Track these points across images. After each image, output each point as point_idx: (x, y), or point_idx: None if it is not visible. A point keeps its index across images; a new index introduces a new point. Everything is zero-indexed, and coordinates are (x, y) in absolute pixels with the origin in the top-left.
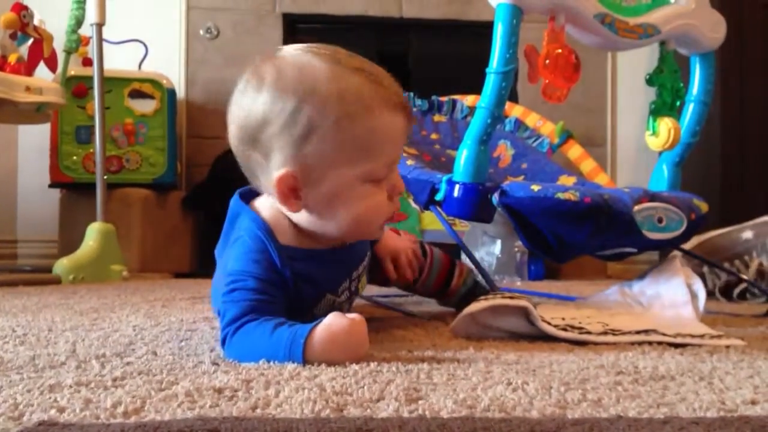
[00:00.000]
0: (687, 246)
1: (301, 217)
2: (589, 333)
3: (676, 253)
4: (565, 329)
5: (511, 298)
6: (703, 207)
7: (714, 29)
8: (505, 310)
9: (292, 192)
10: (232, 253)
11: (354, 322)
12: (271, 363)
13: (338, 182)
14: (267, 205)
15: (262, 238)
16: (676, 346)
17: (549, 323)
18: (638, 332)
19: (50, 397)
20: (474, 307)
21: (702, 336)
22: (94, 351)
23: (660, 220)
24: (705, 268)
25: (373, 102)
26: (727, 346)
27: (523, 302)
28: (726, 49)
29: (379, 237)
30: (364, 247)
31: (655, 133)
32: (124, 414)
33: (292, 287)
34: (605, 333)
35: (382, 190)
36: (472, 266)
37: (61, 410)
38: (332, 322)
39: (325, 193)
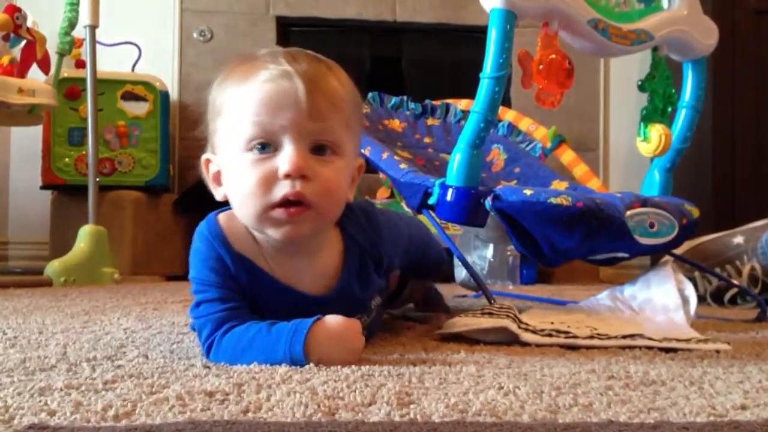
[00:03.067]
0: (678, 251)
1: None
2: (575, 337)
3: (668, 258)
4: (550, 334)
5: (499, 308)
6: (695, 212)
7: (706, 36)
8: (486, 331)
9: (214, 179)
10: (190, 259)
11: (350, 322)
12: (263, 365)
13: (226, 155)
14: (229, 210)
15: (212, 242)
16: (667, 350)
17: (534, 331)
18: (624, 337)
19: (41, 400)
20: (457, 327)
21: (688, 340)
22: (85, 354)
23: (651, 225)
24: (696, 273)
25: (246, 73)
26: (718, 351)
27: (502, 323)
28: (718, 55)
29: (276, 228)
30: (361, 299)
31: (646, 139)
32: (115, 417)
33: (249, 297)
34: (591, 337)
35: (266, 165)
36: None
37: (52, 413)
38: (330, 319)
39: (226, 171)
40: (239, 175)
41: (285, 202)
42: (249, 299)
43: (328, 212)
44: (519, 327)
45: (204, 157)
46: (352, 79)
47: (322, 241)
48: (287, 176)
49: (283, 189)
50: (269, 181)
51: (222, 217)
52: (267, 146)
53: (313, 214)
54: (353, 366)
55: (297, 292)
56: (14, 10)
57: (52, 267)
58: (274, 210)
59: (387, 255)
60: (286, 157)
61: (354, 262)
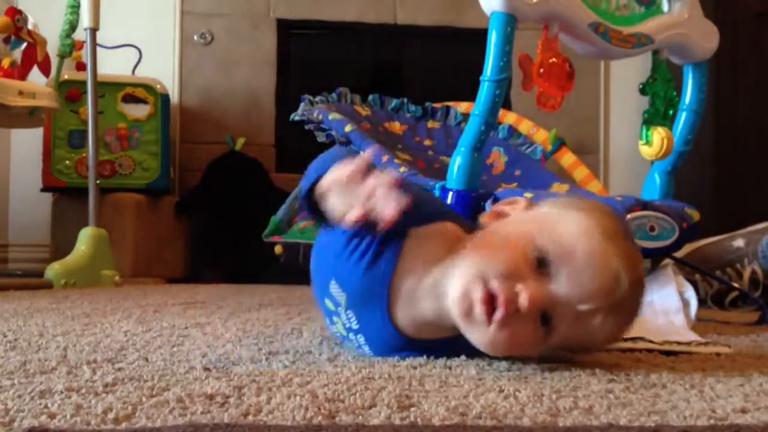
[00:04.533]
0: (679, 254)
1: None
2: None
3: (669, 261)
4: None
5: None
6: (695, 216)
7: (707, 39)
8: None
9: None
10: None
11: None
12: (263, 368)
13: None
14: None
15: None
16: (668, 353)
17: None
18: (625, 339)
19: (41, 403)
20: None
21: (689, 343)
22: (86, 356)
23: (652, 229)
24: (697, 276)
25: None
26: (718, 354)
27: None
28: (720, 58)
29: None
30: None
31: (648, 142)
32: (115, 420)
33: None
34: None
35: (527, 274)
36: None
37: (52, 416)
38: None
39: None
40: (500, 248)
41: (488, 299)
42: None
43: (492, 343)
44: None
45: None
46: (352, 82)
47: None
48: (515, 292)
49: (503, 289)
50: (510, 277)
51: None
52: (542, 266)
53: (492, 325)
54: (353, 369)
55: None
56: (15, 13)
57: (53, 269)
58: (479, 298)
59: None
60: (539, 288)
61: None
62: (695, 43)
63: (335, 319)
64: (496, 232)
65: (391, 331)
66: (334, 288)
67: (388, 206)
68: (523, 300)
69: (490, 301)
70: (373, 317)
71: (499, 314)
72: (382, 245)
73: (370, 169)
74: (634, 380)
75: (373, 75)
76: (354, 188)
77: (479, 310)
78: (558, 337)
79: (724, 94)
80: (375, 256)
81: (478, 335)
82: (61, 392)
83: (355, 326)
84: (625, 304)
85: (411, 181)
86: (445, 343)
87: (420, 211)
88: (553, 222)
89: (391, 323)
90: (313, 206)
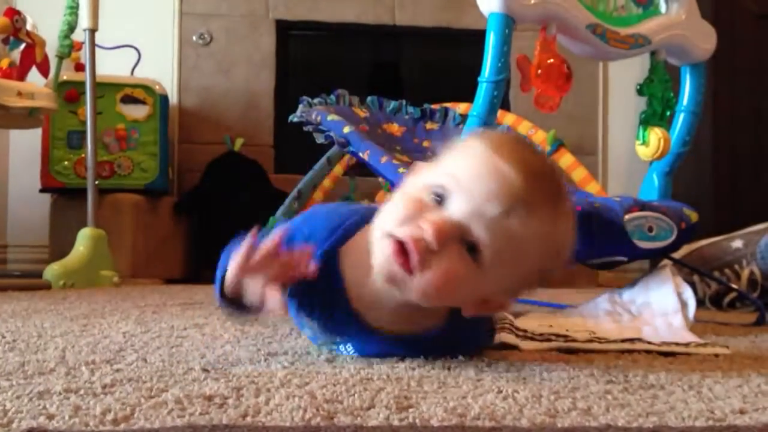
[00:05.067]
0: (677, 255)
1: None
2: (574, 341)
3: (667, 261)
4: (549, 339)
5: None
6: (693, 216)
7: (705, 40)
8: None
9: None
10: (315, 211)
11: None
12: (261, 368)
13: None
14: None
15: (337, 229)
16: (666, 354)
17: (532, 337)
18: (623, 341)
19: (39, 404)
20: None
21: (687, 344)
22: (84, 357)
23: (650, 229)
24: (695, 277)
25: (484, 142)
26: (716, 355)
27: (500, 338)
28: (718, 59)
29: (377, 252)
30: None
31: (645, 143)
32: (114, 421)
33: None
34: (590, 341)
35: (427, 209)
36: None
37: (51, 417)
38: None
39: None
40: (401, 196)
41: (399, 244)
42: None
43: (420, 294)
44: (516, 336)
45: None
46: (351, 83)
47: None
48: (425, 227)
49: (411, 231)
50: (414, 218)
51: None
52: (441, 201)
53: (406, 281)
54: (352, 370)
55: (360, 321)
56: (14, 13)
57: (51, 270)
58: (390, 240)
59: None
60: (440, 215)
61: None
62: (693, 44)
63: (319, 339)
64: (394, 194)
65: (377, 338)
66: (308, 331)
67: (289, 270)
68: (428, 232)
69: (402, 252)
70: (355, 335)
71: (413, 258)
72: (327, 296)
73: (253, 249)
74: (633, 381)
75: (372, 76)
76: (253, 274)
77: (396, 267)
78: (496, 261)
79: (722, 95)
80: (327, 305)
81: (414, 292)
82: (60, 393)
83: (340, 340)
84: (536, 196)
85: (316, 212)
86: (433, 334)
87: (325, 234)
88: (444, 161)
89: (374, 332)
90: (232, 304)
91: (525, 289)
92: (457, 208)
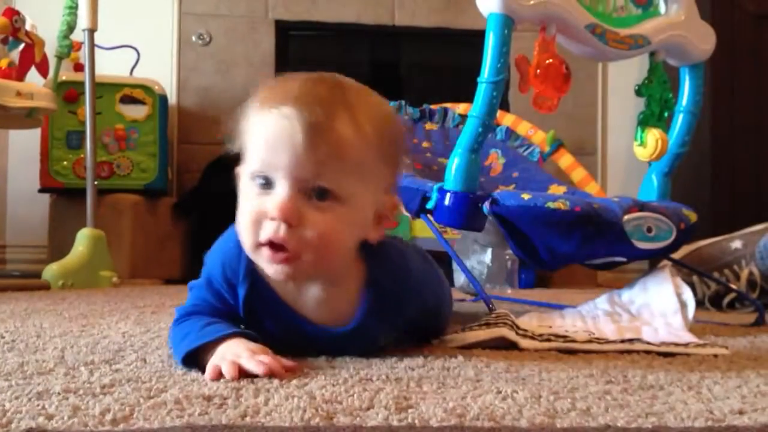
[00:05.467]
0: (676, 255)
1: None
2: (573, 342)
3: (666, 262)
4: (549, 339)
5: (496, 317)
6: (693, 217)
7: (704, 41)
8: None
9: None
10: (215, 246)
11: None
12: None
13: (242, 176)
14: None
15: (241, 247)
16: (665, 355)
17: (532, 337)
18: (623, 341)
19: (38, 404)
20: (455, 343)
21: (686, 345)
22: (83, 358)
23: (649, 230)
24: (695, 278)
25: (264, 102)
26: (716, 356)
27: (501, 332)
28: (717, 60)
29: (267, 266)
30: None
31: (642, 144)
32: (113, 422)
33: (243, 317)
34: (590, 342)
35: (262, 201)
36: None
37: (50, 417)
38: (235, 345)
39: (239, 194)
40: (242, 203)
41: (270, 244)
42: (245, 318)
43: (319, 262)
44: (517, 334)
45: (238, 168)
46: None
47: (337, 276)
48: (272, 218)
49: (268, 231)
50: (260, 218)
51: None
52: (268, 183)
53: (300, 263)
54: (351, 370)
55: (305, 322)
56: (13, 13)
57: (50, 270)
58: (262, 248)
59: (408, 305)
60: (274, 199)
61: (374, 302)
62: (692, 45)
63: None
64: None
65: (330, 334)
66: None
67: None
68: (278, 219)
69: (277, 247)
70: (311, 334)
71: (290, 245)
72: (269, 307)
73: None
74: (632, 382)
75: (371, 76)
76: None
77: (283, 266)
78: (346, 182)
79: (721, 95)
80: (274, 314)
81: (314, 268)
82: (59, 393)
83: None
84: (319, 103)
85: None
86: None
87: (235, 254)
88: (246, 146)
89: (321, 327)
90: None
91: (394, 173)
92: (280, 177)
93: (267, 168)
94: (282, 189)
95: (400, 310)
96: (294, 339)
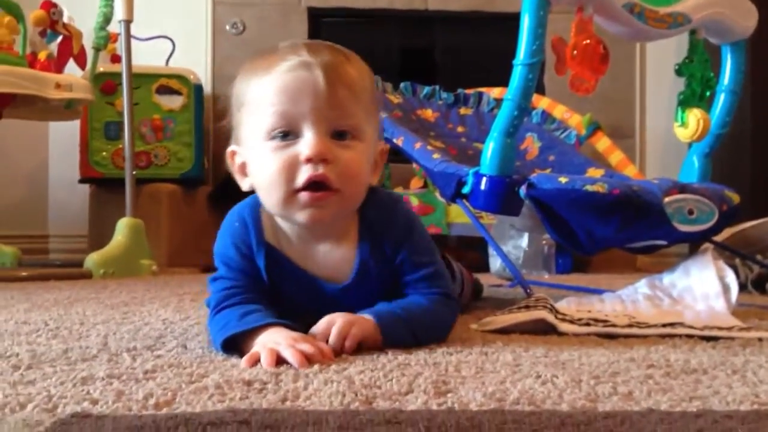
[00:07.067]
0: (719, 238)
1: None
2: (614, 326)
3: (708, 245)
4: (588, 323)
5: (535, 301)
6: (735, 198)
7: (745, 17)
8: (525, 324)
9: (240, 170)
10: (220, 233)
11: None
12: None
13: (250, 146)
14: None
15: (246, 222)
16: (708, 339)
17: (571, 321)
18: (664, 325)
19: (83, 390)
20: (495, 325)
21: (730, 328)
22: (125, 344)
23: (691, 212)
24: (737, 261)
25: (267, 65)
26: (760, 339)
27: (540, 314)
28: (757, 37)
29: (302, 211)
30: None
31: (683, 124)
32: (156, 406)
33: (268, 284)
34: (630, 326)
35: (289, 151)
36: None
37: (94, 402)
38: (274, 333)
39: (251, 161)
40: (263, 164)
41: (309, 185)
42: (269, 286)
43: (351, 195)
44: (556, 317)
45: (229, 149)
46: (383, 70)
47: (343, 229)
48: (309, 160)
49: (306, 173)
50: (292, 166)
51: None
52: (288, 134)
53: (338, 197)
54: (390, 355)
55: (318, 281)
56: (50, 6)
57: (92, 259)
58: (299, 194)
59: (394, 228)
60: (307, 143)
61: (369, 246)
62: (733, 22)
63: None
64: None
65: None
66: None
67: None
68: (314, 161)
69: (315, 187)
70: (324, 295)
71: (330, 182)
72: (287, 272)
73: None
74: (675, 366)
75: (405, 62)
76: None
77: (320, 207)
78: (360, 122)
79: (762, 74)
80: (294, 279)
81: (346, 202)
82: (103, 379)
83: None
84: (327, 54)
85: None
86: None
87: (245, 232)
88: (250, 104)
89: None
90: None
91: (378, 120)
92: (306, 123)
93: (288, 120)
94: (311, 133)
95: (389, 233)
96: (310, 300)
